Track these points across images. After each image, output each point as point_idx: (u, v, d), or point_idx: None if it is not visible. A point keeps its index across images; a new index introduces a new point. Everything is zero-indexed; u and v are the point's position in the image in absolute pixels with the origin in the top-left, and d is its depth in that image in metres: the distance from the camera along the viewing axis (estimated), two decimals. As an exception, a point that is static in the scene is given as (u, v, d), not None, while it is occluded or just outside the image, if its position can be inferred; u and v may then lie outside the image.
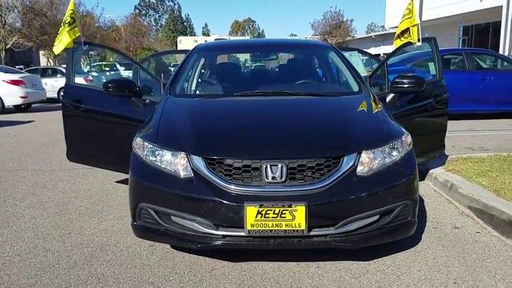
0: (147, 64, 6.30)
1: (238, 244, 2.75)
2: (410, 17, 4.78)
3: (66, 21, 4.52)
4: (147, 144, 3.05)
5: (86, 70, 26.58)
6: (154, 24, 76.02)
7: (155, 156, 2.98)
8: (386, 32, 42.18)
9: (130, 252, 3.36)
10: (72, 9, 4.53)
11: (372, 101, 3.52)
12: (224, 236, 2.74)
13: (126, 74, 24.00)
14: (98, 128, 4.46)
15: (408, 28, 4.78)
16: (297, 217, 2.60)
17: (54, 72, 19.79)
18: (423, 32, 18.78)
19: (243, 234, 2.69)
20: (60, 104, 4.71)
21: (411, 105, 4.32)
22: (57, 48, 4.55)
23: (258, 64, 4.70)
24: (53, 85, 17.87)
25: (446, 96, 4.64)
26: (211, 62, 4.76)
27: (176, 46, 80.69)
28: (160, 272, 3.03)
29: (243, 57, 4.83)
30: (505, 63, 10.65)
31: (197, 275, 2.97)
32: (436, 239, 3.43)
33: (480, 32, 25.36)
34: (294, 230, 2.62)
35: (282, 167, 2.69)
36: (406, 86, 3.89)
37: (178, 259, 3.21)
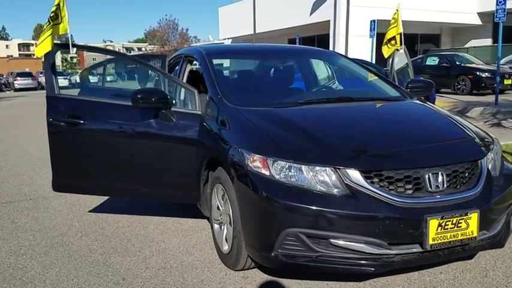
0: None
1: (413, 261, 2.59)
2: (396, 26, 5.13)
3: (51, 17, 3.62)
4: (271, 160, 2.68)
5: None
6: None
7: (292, 173, 2.62)
8: (212, 42, 43.55)
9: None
10: (58, 3, 3.63)
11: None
12: (396, 255, 2.56)
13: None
14: (107, 149, 3.69)
15: (394, 36, 5.12)
16: (471, 225, 2.58)
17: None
18: (260, 43, 19.86)
19: (419, 250, 2.55)
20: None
21: None
22: (38, 49, 3.61)
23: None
24: None
25: None
26: (236, 68, 4.35)
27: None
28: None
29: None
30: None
31: (341, 300, 2.74)
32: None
33: (306, 43, 27.99)
34: (468, 239, 2.60)
35: (442, 174, 2.65)
36: (420, 89, 4.15)
37: (295, 287, 2.90)
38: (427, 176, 2.62)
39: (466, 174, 2.75)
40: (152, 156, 3.62)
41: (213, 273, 3.11)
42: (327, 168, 2.61)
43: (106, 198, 4.86)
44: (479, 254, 3.25)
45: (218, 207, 3.27)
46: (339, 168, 2.60)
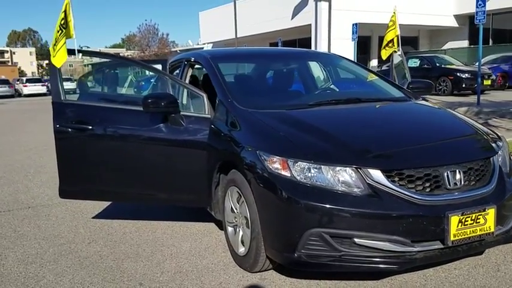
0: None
1: (434, 258, 2.64)
2: (394, 28, 5.21)
3: (62, 25, 3.57)
4: (292, 161, 2.70)
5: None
6: None
7: (313, 174, 2.64)
8: (191, 46, 43.58)
9: (255, 290, 2.91)
10: (64, 9, 3.60)
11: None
12: (418, 252, 2.60)
13: None
14: (116, 155, 3.66)
15: (392, 38, 5.20)
16: (488, 220, 2.64)
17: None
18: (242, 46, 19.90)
19: (440, 246, 2.60)
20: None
21: None
22: (57, 59, 3.56)
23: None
24: None
25: None
26: (241, 72, 4.36)
27: None
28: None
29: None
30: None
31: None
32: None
33: (288, 47, 28.10)
34: (486, 234, 2.66)
35: (459, 172, 2.71)
36: (421, 90, 4.23)
37: (314, 287, 2.92)
38: (445, 174, 2.67)
39: (481, 171, 2.81)
40: (162, 160, 3.61)
41: (230, 276, 3.11)
42: (348, 168, 2.64)
43: (108, 204, 4.82)
44: (488, 250, 3.33)
45: (232, 210, 3.27)
46: (360, 168, 2.63)
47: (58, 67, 3.60)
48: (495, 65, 18.50)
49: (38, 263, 3.46)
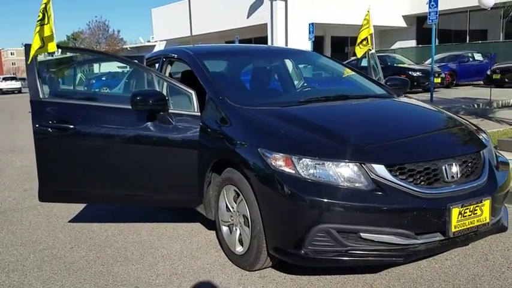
0: None
1: (435, 249, 2.71)
2: (368, 27, 5.31)
3: (38, 19, 3.40)
4: (296, 158, 2.68)
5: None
6: None
7: (318, 170, 2.64)
8: (142, 44, 42.73)
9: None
10: (45, 3, 3.42)
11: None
12: (421, 244, 2.65)
13: None
14: (100, 155, 3.52)
15: (366, 37, 5.29)
16: (484, 211, 2.74)
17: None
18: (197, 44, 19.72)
19: (441, 238, 2.67)
20: None
21: None
22: (31, 52, 3.38)
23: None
24: None
25: None
26: (229, 68, 4.28)
27: None
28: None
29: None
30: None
31: (365, 292, 2.80)
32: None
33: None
34: (482, 225, 2.76)
35: (455, 164, 2.79)
36: (398, 87, 4.32)
37: (315, 282, 2.93)
38: (443, 167, 2.75)
39: (473, 164, 2.91)
40: (150, 160, 3.51)
41: (229, 275, 3.07)
42: (353, 164, 2.66)
43: (83, 206, 4.64)
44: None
45: (228, 209, 3.22)
46: (364, 164, 2.66)
47: (30, 56, 3.41)
48: (443, 63, 19.26)
49: (21, 270, 3.27)
